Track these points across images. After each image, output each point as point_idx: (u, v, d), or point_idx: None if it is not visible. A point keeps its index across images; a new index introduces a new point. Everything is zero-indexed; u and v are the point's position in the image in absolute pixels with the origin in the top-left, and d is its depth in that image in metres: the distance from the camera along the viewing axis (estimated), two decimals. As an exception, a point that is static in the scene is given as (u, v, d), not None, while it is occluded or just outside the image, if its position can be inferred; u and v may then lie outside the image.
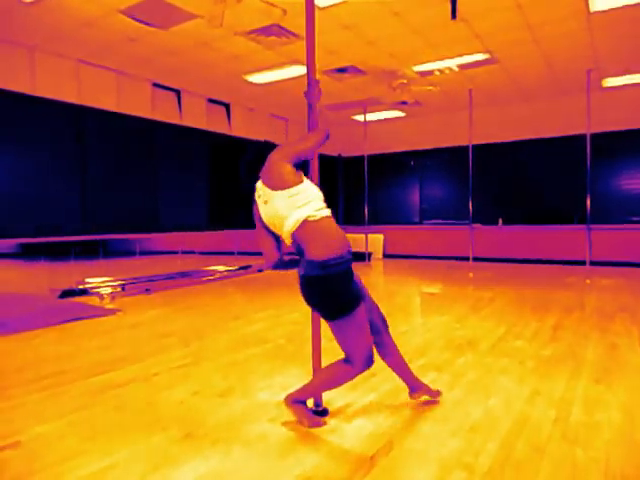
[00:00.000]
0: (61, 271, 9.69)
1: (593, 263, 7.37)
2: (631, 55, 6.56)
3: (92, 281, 6.29)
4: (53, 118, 6.15)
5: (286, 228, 1.99)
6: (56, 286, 6.08)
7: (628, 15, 5.23)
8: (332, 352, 3.19)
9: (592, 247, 7.21)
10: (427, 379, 2.70)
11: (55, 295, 5.76)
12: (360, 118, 9.85)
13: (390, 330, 2.33)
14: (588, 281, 6.48)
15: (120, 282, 6.24)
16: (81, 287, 5.99)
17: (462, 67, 6.91)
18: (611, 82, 7.82)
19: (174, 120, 7.80)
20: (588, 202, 6.76)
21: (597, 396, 2.41)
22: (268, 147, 2.13)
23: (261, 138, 9.52)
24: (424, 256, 10.13)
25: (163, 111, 7.62)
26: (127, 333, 4.02)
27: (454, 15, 4.23)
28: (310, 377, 2.34)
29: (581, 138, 7.47)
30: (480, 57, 6.50)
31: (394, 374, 2.39)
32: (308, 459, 1.84)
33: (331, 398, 2.43)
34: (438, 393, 2.39)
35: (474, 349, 3.31)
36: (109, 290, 5.87)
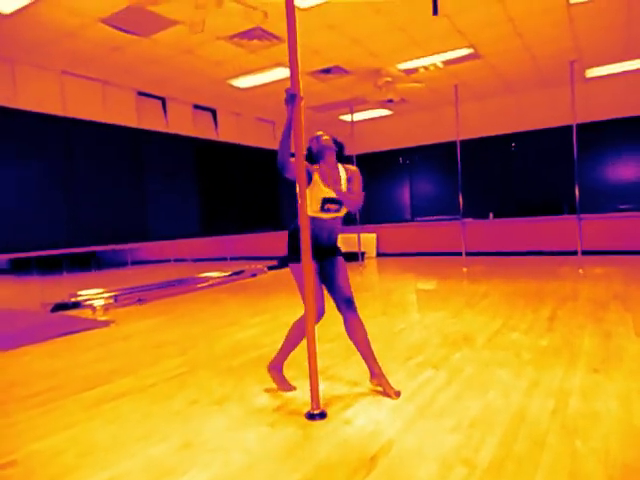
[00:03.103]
0: (52, 285, 9.59)
1: (585, 253, 7.41)
2: (612, 45, 6.62)
3: (84, 294, 6.22)
4: (38, 131, 6.09)
5: None
6: (48, 300, 6.01)
7: (606, 6, 5.28)
8: (328, 354, 3.19)
9: (583, 237, 7.25)
10: (425, 376, 2.70)
11: (47, 309, 5.69)
12: (347, 118, 9.85)
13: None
14: (581, 271, 6.51)
15: (112, 293, 6.19)
16: (73, 300, 5.93)
17: (446, 63, 6.94)
18: (594, 72, 7.88)
19: (160, 128, 7.75)
20: (577, 192, 6.81)
21: (595, 385, 2.42)
22: None
23: (249, 143, 9.51)
24: (417, 253, 10.15)
25: (149, 119, 7.57)
26: (121, 344, 3.98)
27: (435, 11, 4.24)
28: (307, 380, 2.32)
29: (567, 129, 7.52)
30: (464, 52, 6.52)
31: (391, 374, 2.39)
32: (308, 463, 1.82)
33: (329, 400, 2.41)
34: (394, 393, 2.44)
35: (471, 344, 3.31)
36: (102, 302, 5.81)
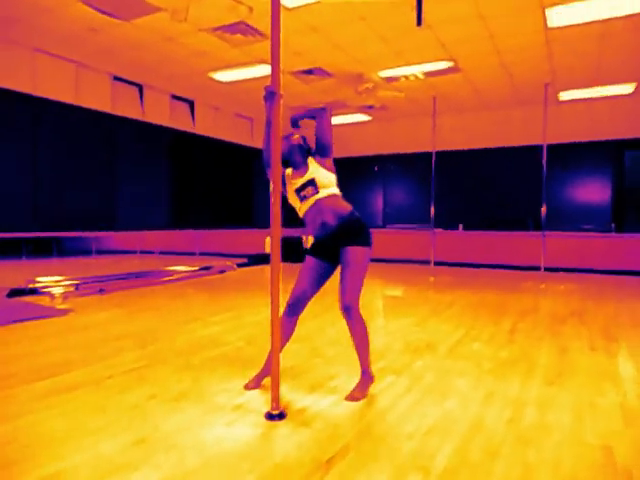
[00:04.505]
0: (10, 270, 9.20)
1: (547, 269, 7.65)
2: (584, 70, 6.86)
3: (43, 280, 6.00)
4: (3, 107, 5.85)
5: None
6: (3, 285, 5.77)
7: (582, 32, 5.47)
8: (293, 355, 3.17)
9: (546, 253, 7.48)
10: (386, 382, 2.71)
11: (2, 294, 5.46)
12: (326, 121, 9.86)
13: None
14: (543, 286, 6.71)
15: (73, 282, 5.99)
16: (31, 286, 5.70)
17: (427, 74, 7.05)
18: (566, 96, 8.16)
19: (135, 115, 7.58)
20: (543, 210, 7.02)
21: (549, 397, 2.48)
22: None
23: (226, 138, 9.40)
24: (386, 259, 10.24)
25: (124, 106, 7.39)
26: (79, 335, 3.85)
27: (419, 22, 4.29)
28: (268, 380, 2.30)
29: (538, 148, 7.76)
30: (444, 65, 6.64)
31: (354, 377, 2.39)
32: (263, 464, 1.80)
33: (289, 401, 2.39)
34: (352, 398, 2.42)
35: (433, 352, 3.35)
36: (61, 290, 5.61)
